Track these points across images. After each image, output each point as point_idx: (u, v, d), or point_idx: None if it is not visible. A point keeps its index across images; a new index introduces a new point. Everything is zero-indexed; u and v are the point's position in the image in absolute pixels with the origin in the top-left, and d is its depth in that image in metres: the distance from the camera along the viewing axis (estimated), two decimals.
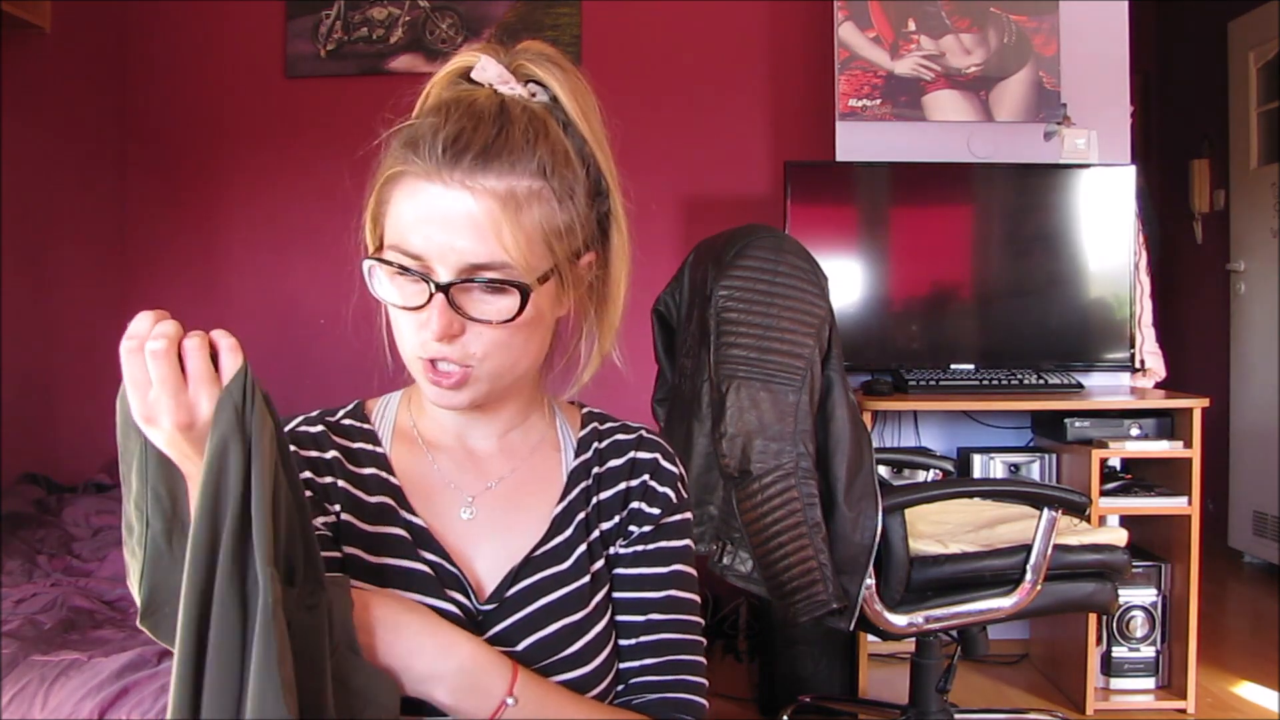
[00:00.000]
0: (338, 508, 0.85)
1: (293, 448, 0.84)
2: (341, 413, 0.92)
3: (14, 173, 2.72)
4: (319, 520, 0.83)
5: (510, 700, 0.78)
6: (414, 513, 0.86)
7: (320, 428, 0.89)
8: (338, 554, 0.83)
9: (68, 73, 3.01)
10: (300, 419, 0.89)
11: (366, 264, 0.80)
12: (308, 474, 0.85)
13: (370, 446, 0.89)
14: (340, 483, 0.86)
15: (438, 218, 0.77)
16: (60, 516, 2.48)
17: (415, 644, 0.76)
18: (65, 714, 1.48)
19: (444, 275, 0.77)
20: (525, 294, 0.78)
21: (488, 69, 0.82)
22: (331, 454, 0.87)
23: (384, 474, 0.87)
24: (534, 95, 0.82)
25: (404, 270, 0.78)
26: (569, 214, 0.81)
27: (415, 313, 0.79)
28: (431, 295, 0.77)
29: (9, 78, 2.71)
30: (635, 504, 0.90)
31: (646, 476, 0.91)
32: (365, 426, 0.90)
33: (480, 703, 0.77)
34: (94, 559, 2.20)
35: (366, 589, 0.77)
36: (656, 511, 0.90)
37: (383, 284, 0.80)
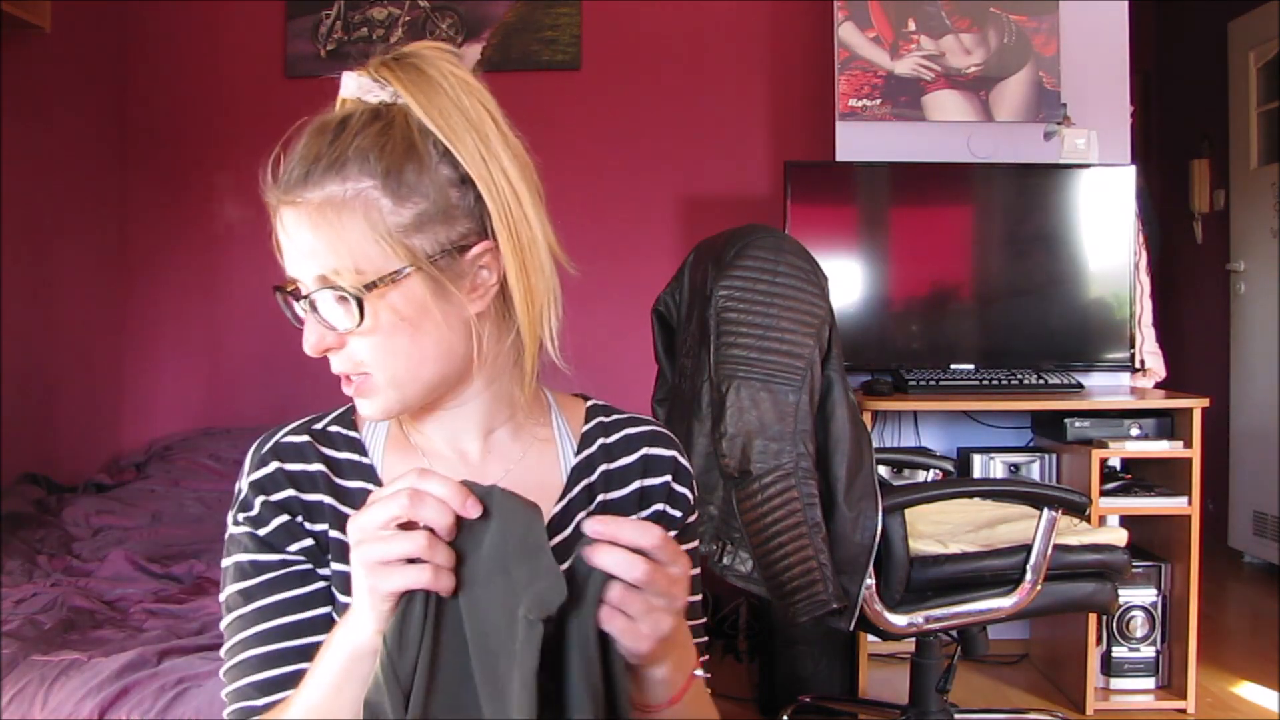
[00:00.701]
0: (323, 527, 0.84)
1: (277, 463, 0.85)
2: (329, 419, 0.90)
3: (14, 173, 2.72)
4: (295, 546, 0.83)
5: (699, 672, 0.79)
6: None
7: (305, 438, 0.87)
8: (325, 574, 0.83)
9: (68, 73, 3.01)
10: (288, 429, 0.88)
11: (278, 297, 0.84)
12: (291, 491, 0.84)
13: (356, 457, 0.87)
14: (326, 499, 0.84)
15: (285, 238, 0.81)
16: (60, 516, 2.48)
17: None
18: (65, 714, 1.48)
19: (304, 290, 0.81)
20: (358, 300, 0.78)
21: (347, 85, 0.83)
22: (317, 467, 0.85)
23: (371, 486, 0.86)
24: (397, 98, 0.81)
25: (283, 292, 0.83)
26: (417, 209, 0.79)
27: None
28: (306, 313, 0.81)
29: (9, 78, 2.70)
30: (659, 506, 0.90)
31: (669, 478, 0.91)
32: (352, 435, 0.89)
33: (680, 676, 0.77)
34: (94, 559, 2.20)
35: None
36: (679, 514, 0.90)
37: (288, 311, 0.84)
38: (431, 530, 0.69)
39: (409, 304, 0.79)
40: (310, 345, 0.80)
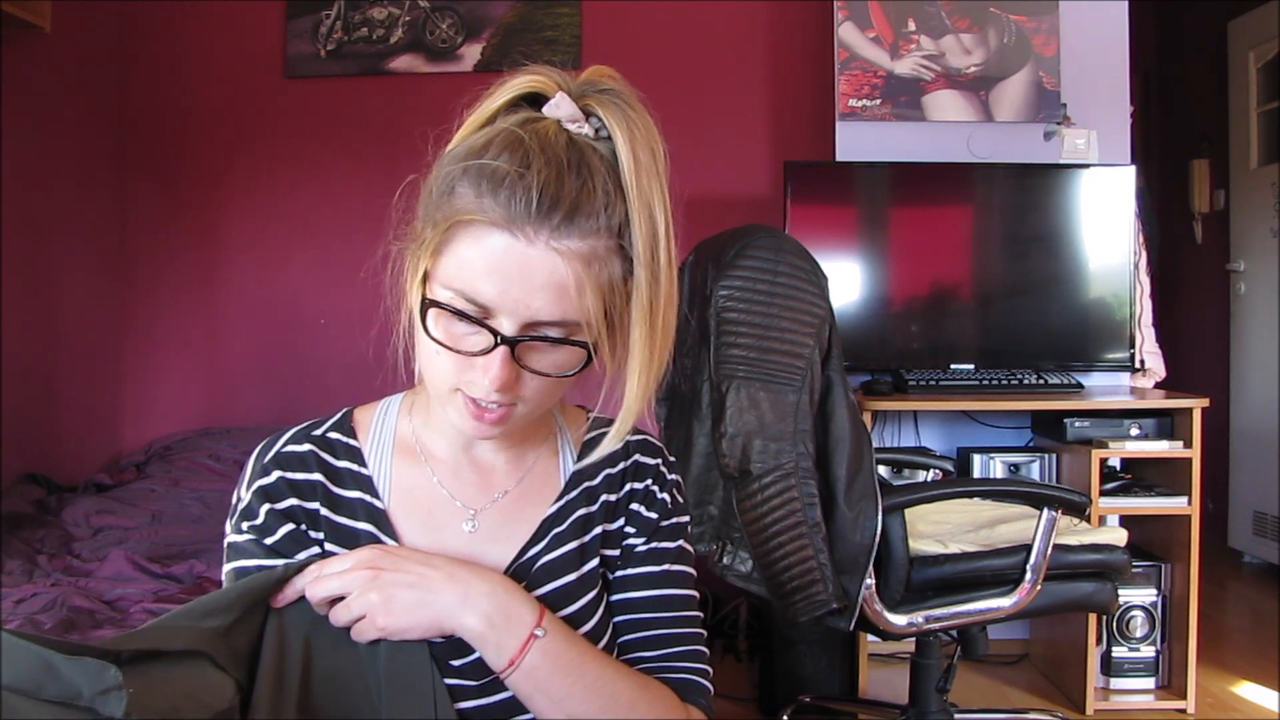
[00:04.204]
0: (321, 535, 0.84)
1: (279, 472, 0.85)
2: (328, 425, 0.89)
3: (14, 173, 2.72)
4: (303, 555, 0.83)
5: (540, 631, 0.80)
6: (397, 537, 0.85)
7: (307, 446, 0.87)
8: None
9: (68, 73, 3.01)
10: (287, 437, 0.87)
11: (425, 308, 0.76)
12: (294, 500, 0.84)
13: (355, 467, 0.87)
14: (323, 510, 0.85)
15: (515, 273, 0.73)
16: (60, 516, 2.48)
17: (448, 571, 0.80)
18: None
19: (508, 327, 0.74)
20: (589, 353, 0.77)
21: (561, 107, 0.77)
22: (316, 476, 0.85)
23: (369, 497, 0.86)
24: (598, 132, 0.78)
25: (462, 315, 0.75)
26: (622, 268, 0.78)
27: (470, 357, 0.76)
28: (495, 345, 0.75)
29: (9, 78, 2.70)
30: (634, 506, 0.92)
31: (649, 481, 0.92)
32: (352, 443, 0.88)
33: (511, 631, 0.80)
34: (94, 559, 2.20)
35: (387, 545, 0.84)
36: (654, 516, 0.92)
37: (433, 323, 0.77)
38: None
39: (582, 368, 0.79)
40: (501, 383, 0.75)
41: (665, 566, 0.91)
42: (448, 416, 0.81)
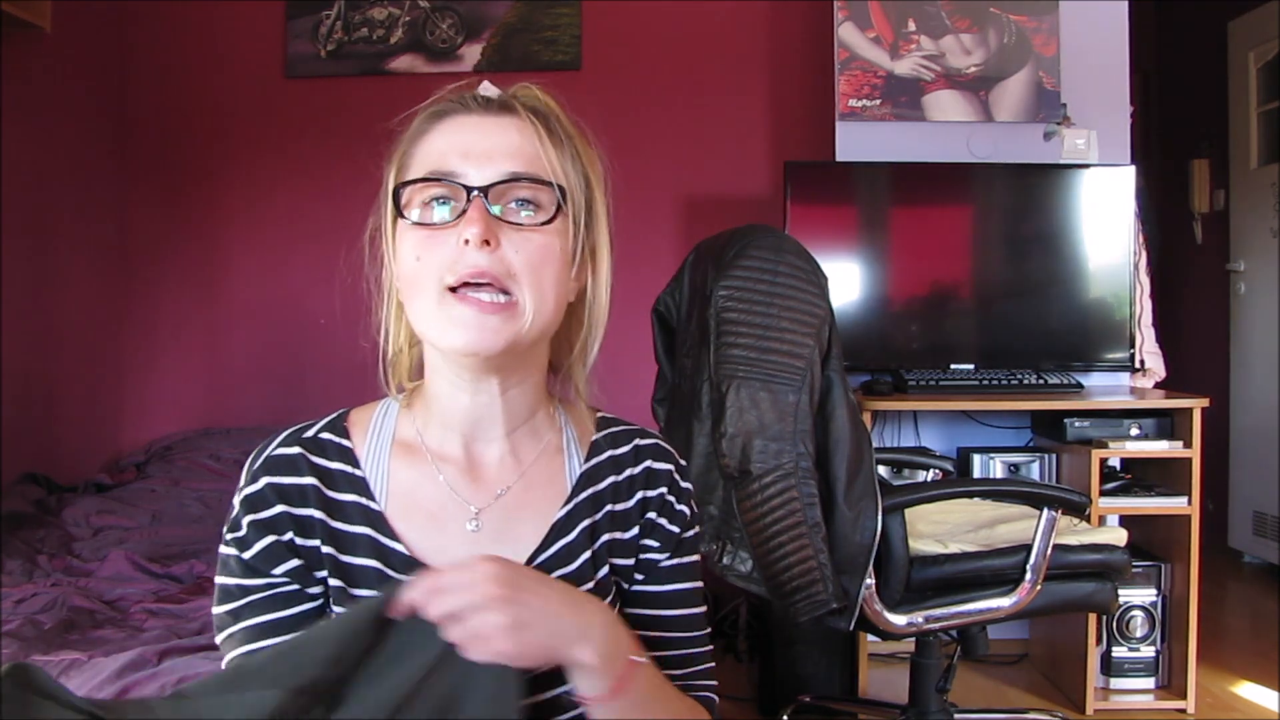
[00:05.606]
0: (315, 542, 0.82)
1: (267, 479, 0.82)
2: (319, 426, 0.87)
3: (14, 173, 2.72)
4: (280, 569, 0.81)
5: (640, 658, 0.80)
6: (397, 539, 0.83)
7: (296, 449, 0.84)
8: (315, 593, 0.82)
9: (68, 73, 3.01)
10: (278, 441, 0.85)
11: (398, 193, 0.82)
12: (281, 507, 0.81)
13: (348, 468, 0.85)
14: (317, 514, 0.82)
15: (473, 135, 0.81)
16: (60, 516, 2.48)
17: (569, 597, 0.78)
18: None
19: (478, 181, 0.79)
20: (561, 193, 0.81)
21: (488, 88, 0.86)
22: (308, 480, 0.83)
23: (364, 500, 0.84)
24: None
25: (436, 191, 0.80)
26: (577, 171, 0.85)
27: (447, 232, 0.79)
28: (469, 201, 0.78)
29: (9, 78, 2.71)
30: (652, 515, 0.90)
31: (664, 490, 0.91)
32: (344, 444, 0.86)
33: (617, 662, 0.78)
34: (94, 559, 2.20)
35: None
36: (676, 530, 0.91)
37: (409, 210, 0.82)
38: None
39: (565, 238, 0.83)
40: (480, 231, 0.77)
41: (687, 584, 0.91)
42: (448, 337, 0.79)
